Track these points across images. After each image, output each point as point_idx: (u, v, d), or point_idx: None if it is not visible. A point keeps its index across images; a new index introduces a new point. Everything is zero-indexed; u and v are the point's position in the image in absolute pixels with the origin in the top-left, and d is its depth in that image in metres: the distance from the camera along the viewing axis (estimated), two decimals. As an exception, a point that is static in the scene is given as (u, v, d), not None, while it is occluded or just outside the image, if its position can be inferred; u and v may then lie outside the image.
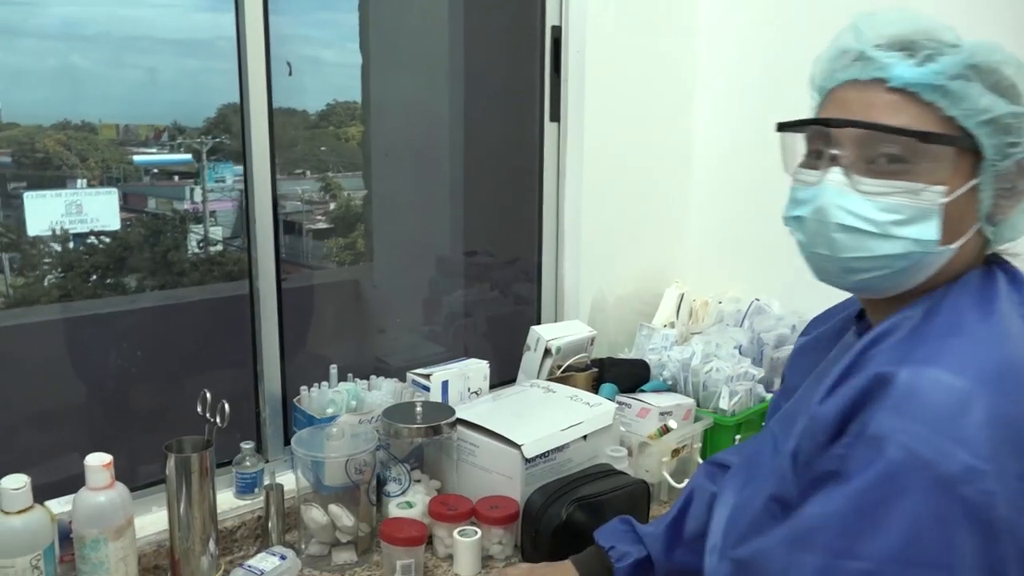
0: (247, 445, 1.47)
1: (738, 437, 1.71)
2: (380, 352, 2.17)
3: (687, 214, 2.19)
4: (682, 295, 2.03)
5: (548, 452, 1.44)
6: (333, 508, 1.39)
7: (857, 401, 0.75)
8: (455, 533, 1.36)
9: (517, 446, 1.40)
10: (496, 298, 2.34)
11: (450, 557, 1.40)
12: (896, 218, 0.77)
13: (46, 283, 2.05)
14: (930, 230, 0.77)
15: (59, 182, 2.01)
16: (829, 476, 0.75)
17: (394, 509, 1.42)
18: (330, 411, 1.50)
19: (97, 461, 1.18)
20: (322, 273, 3.16)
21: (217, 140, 2.49)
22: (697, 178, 2.18)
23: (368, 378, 1.61)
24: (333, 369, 1.57)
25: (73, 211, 1.79)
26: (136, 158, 2.39)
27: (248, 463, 1.47)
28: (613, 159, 1.99)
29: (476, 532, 1.36)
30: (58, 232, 1.83)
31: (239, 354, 1.58)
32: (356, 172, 2.89)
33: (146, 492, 1.41)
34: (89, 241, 2.02)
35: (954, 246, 0.79)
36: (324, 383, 1.54)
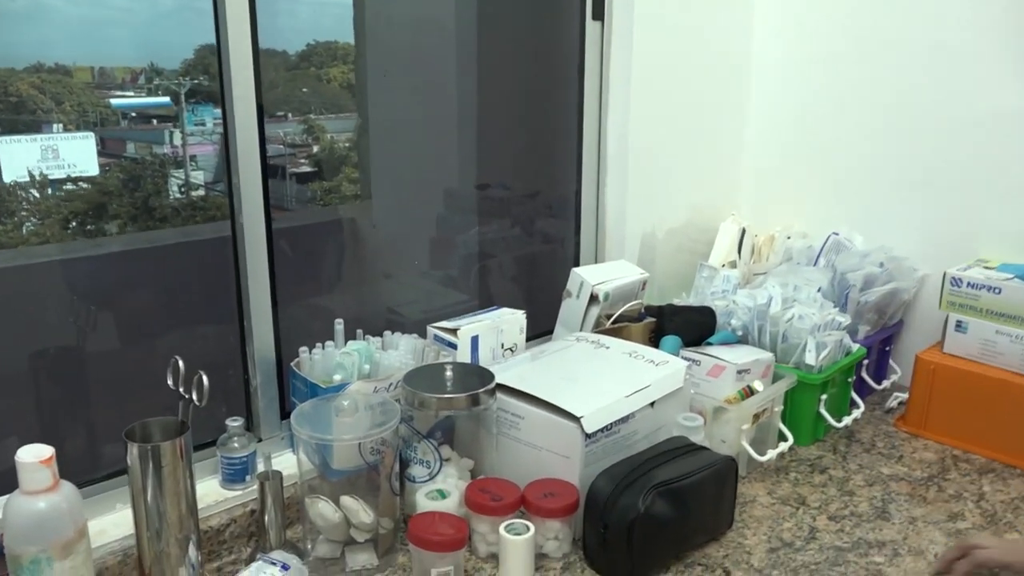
0: (235, 422, 1.17)
1: (823, 398, 1.43)
2: (389, 301, 1.87)
3: (745, 136, 1.88)
4: (743, 230, 1.73)
5: (611, 424, 1.16)
6: (347, 501, 1.10)
7: None
8: (501, 529, 1.08)
9: (575, 418, 1.11)
10: (518, 236, 2.04)
11: (494, 557, 1.12)
12: None
13: (24, 231, 1.97)
14: None
15: (34, 127, 1.98)
16: None
17: (423, 500, 1.14)
18: (338, 378, 1.19)
19: (33, 456, 0.88)
20: (313, 212, 2.86)
21: (196, 82, 2.45)
22: (756, 95, 1.86)
23: (381, 335, 1.31)
24: (339, 325, 1.26)
25: (49, 156, 1.75)
26: (113, 101, 2.35)
27: (236, 444, 1.17)
28: (664, 71, 1.66)
29: (528, 527, 1.08)
30: (37, 177, 1.77)
31: (223, 308, 1.28)
32: (339, 114, 2.80)
33: (109, 485, 1.12)
34: (68, 187, 1.96)
35: None
36: (329, 343, 1.24)
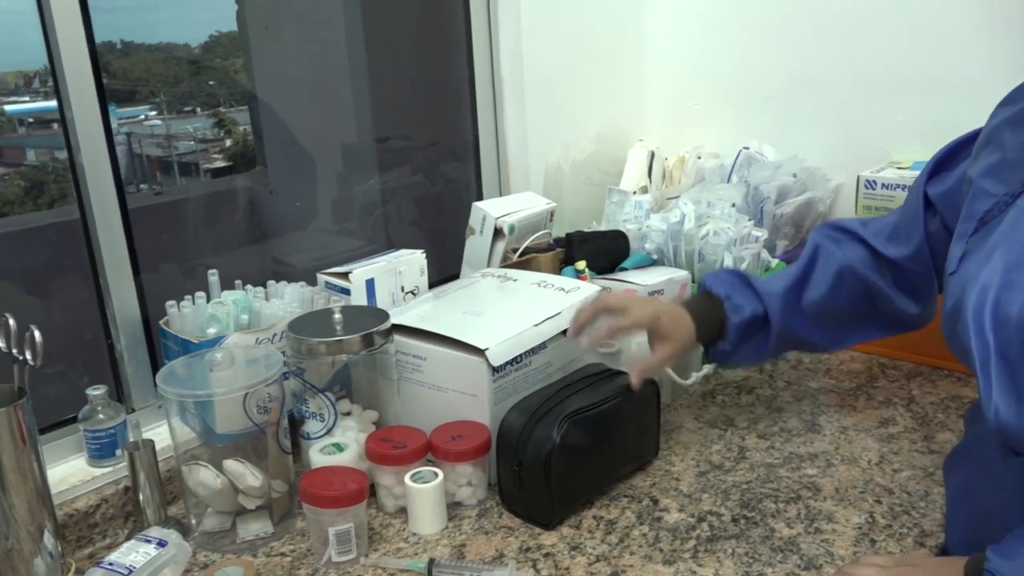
0: (96, 391, 1.03)
1: (745, 316, 1.37)
2: (277, 254, 1.74)
3: (644, 58, 1.79)
4: (651, 154, 1.65)
5: (521, 356, 1.06)
6: (230, 465, 0.98)
7: None
8: (407, 478, 0.98)
9: (480, 351, 1.02)
10: (420, 182, 1.92)
11: (403, 511, 1.02)
12: None
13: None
14: None
15: None
16: None
17: (317, 456, 1.03)
18: (212, 331, 1.07)
19: None
20: (204, 184, 2.70)
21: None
22: (654, 11, 1.77)
23: (265, 285, 1.18)
24: (213, 276, 1.13)
25: None
26: (7, 108, 2.21)
27: (102, 416, 1.04)
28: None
29: (436, 474, 0.98)
30: None
31: (79, 280, 1.14)
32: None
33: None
34: None
35: None
36: (200, 294, 1.10)
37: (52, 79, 1.07)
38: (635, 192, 1.59)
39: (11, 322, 0.85)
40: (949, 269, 0.84)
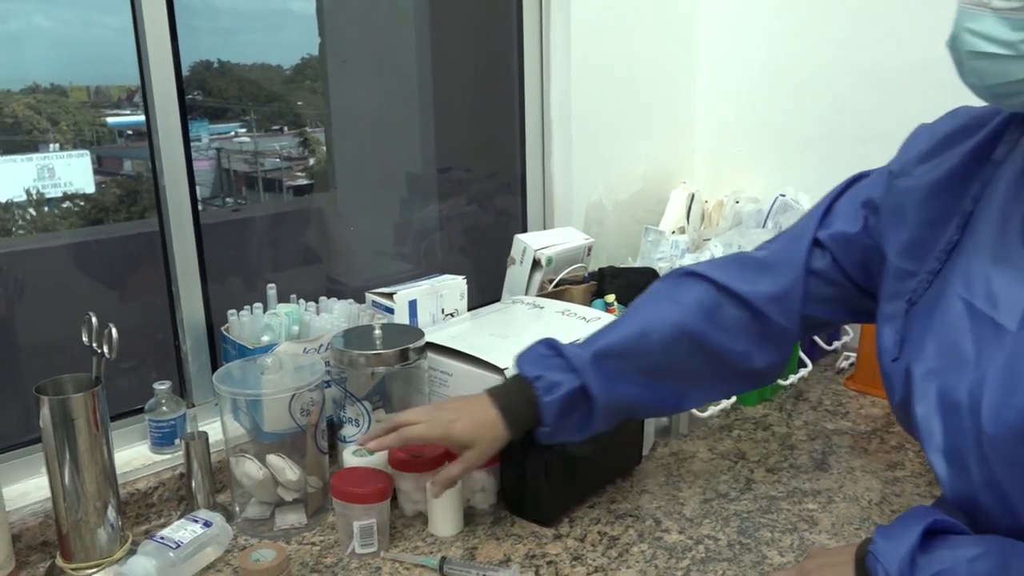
0: (162, 386, 1.16)
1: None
2: (335, 273, 1.87)
3: (693, 103, 1.87)
4: (692, 196, 1.73)
5: (540, 378, 1.15)
6: (272, 459, 1.10)
7: None
8: (428, 485, 1.07)
9: (499, 370, 1.11)
10: (474, 212, 2.03)
11: (421, 515, 1.11)
12: None
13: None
14: None
15: (31, 147, 1.99)
16: None
17: (349, 458, 1.13)
18: (266, 339, 1.19)
19: (-64, 409, 0.88)
20: (276, 203, 2.87)
21: (190, 97, 2.49)
22: (704, 60, 1.85)
23: (317, 300, 1.31)
24: (271, 290, 1.26)
25: (45, 175, 1.77)
26: (109, 120, 2.36)
27: (165, 408, 1.17)
28: (605, 38, 1.66)
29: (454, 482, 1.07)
30: (34, 195, 1.79)
31: (155, 286, 1.27)
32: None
33: (33, 449, 1.11)
34: (65, 205, 1.96)
35: None
36: (258, 305, 1.23)
37: (142, 97, 1.19)
38: (673, 232, 1.67)
39: (93, 320, 0.98)
40: (890, 356, 0.83)
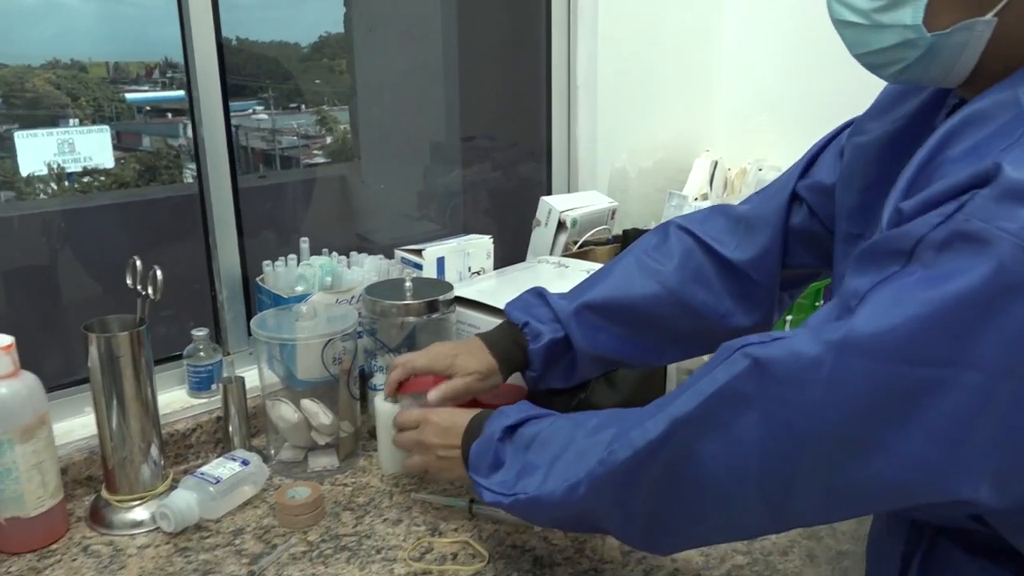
0: (200, 332, 1.20)
1: (789, 319, 1.45)
2: (363, 231, 1.90)
3: (717, 72, 1.89)
4: (715, 163, 1.74)
5: (565, 331, 1.18)
6: (307, 404, 1.14)
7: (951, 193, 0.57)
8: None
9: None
10: (497, 178, 2.06)
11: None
12: (878, 4, 0.65)
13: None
14: (916, 12, 0.63)
15: (51, 122, 2.02)
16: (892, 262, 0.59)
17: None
18: (300, 289, 1.23)
19: (-8, 343, 0.92)
20: (304, 171, 2.90)
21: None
22: (729, 28, 1.86)
23: (348, 255, 1.34)
24: (304, 243, 1.30)
25: (66, 150, 1.78)
26: (128, 96, 2.39)
27: (203, 354, 1.21)
28: (632, 5, 1.68)
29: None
30: (54, 169, 1.82)
31: (194, 241, 1.32)
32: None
33: (77, 390, 1.16)
34: (85, 180, 1.99)
35: (987, 17, 0.62)
36: (292, 256, 1.27)
37: (185, 69, 1.23)
38: (696, 199, 1.69)
39: (138, 263, 1.02)
40: None
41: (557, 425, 0.82)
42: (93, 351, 0.98)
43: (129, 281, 1.02)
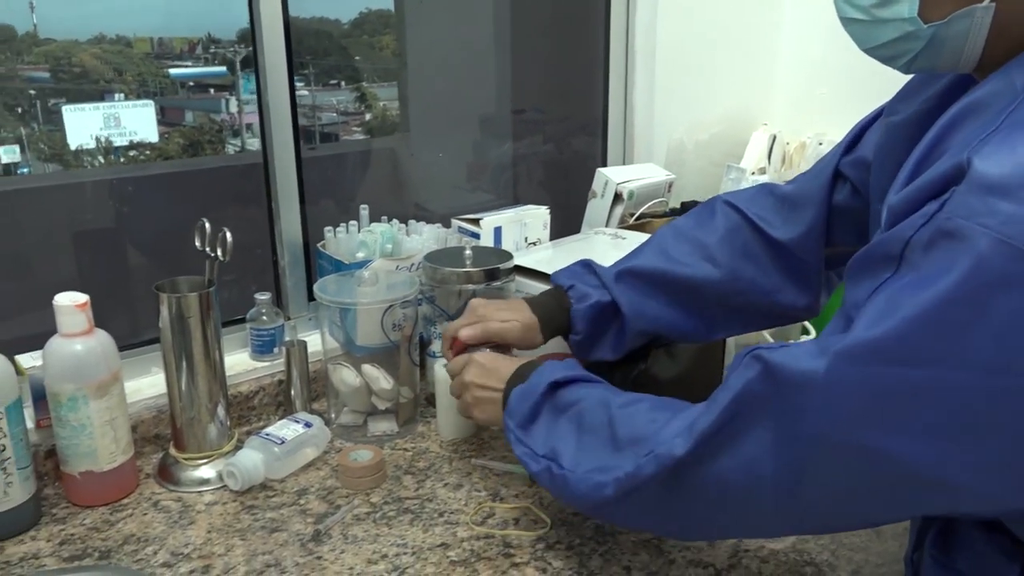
0: (263, 296, 1.22)
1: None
2: (421, 201, 1.91)
3: (777, 44, 1.85)
4: (773, 137, 1.72)
5: (623, 301, 1.17)
6: (368, 368, 1.15)
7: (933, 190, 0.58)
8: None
9: (588, 293, 1.13)
10: (549, 151, 2.05)
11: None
12: (876, 0, 0.66)
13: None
14: (912, 5, 0.64)
15: (97, 96, 2.04)
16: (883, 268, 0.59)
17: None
18: (361, 255, 1.24)
19: (69, 300, 0.94)
20: (353, 143, 2.91)
21: (250, 49, 2.47)
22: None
23: (406, 223, 1.35)
24: (364, 210, 1.30)
25: (112, 124, 1.83)
26: (171, 71, 2.45)
27: (265, 318, 1.22)
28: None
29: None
30: (102, 142, 1.87)
31: (253, 209, 1.33)
32: (391, 82, 2.79)
33: (146, 350, 1.18)
34: (131, 153, 2.04)
35: (984, 3, 0.61)
36: (353, 222, 1.28)
37: (251, 36, 1.24)
38: (753, 172, 1.66)
39: (207, 225, 1.03)
40: None
41: (600, 399, 0.82)
42: (164, 311, 1.00)
43: (198, 243, 1.04)
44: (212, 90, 2.80)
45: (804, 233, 0.95)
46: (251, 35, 1.24)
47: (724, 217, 1.01)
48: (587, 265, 1.06)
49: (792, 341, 1.36)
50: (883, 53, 0.70)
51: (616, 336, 1.04)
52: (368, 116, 2.87)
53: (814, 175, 0.97)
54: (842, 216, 0.94)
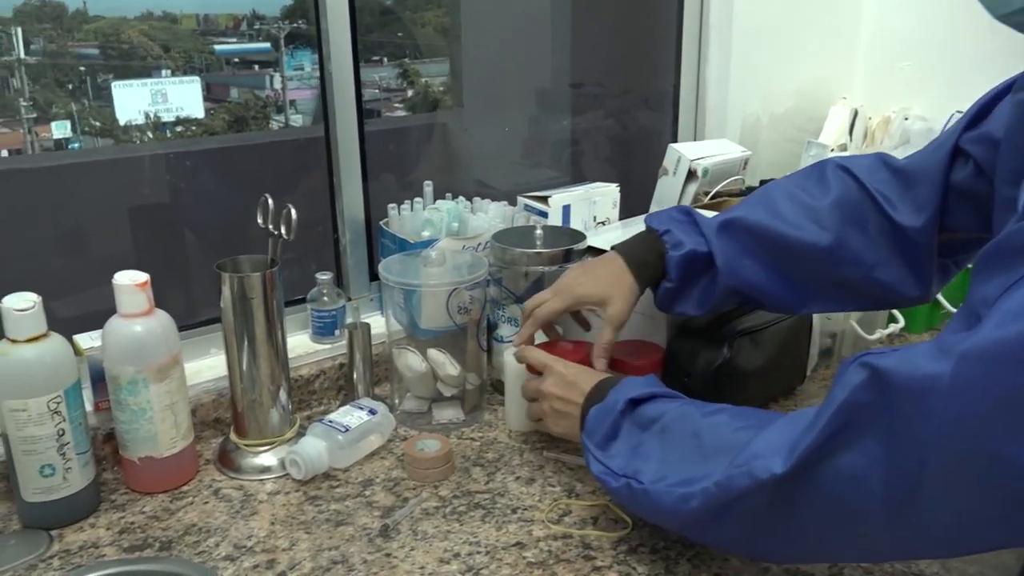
0: (324, 276, 1.17)
1: (939, 280, 1.34)
2: (482, 177, 1.85)
3: (859, 14, 1.74)
4: (855, 112, 1.62)
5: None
6: (433, 354, 1.09)
7: None
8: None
9: (665, 276, 1.06)
10: (611, 126, 1.97)
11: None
12: None
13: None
14: None
15: (144, 72, 2.06)
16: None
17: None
18: (426, 234, 1.18)
19: (129, 279, 0.90)
20: (402, 118, 2.87)
21: (295, 26, 2.56)
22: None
23: (471, 200, 1.28)
24: (428, 187, 1.24)
25: (159, 100, 1.84)
26: (216, 47, 2.45)
27: (326, 299, 1.17)
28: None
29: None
30: (151, 117, 1.88)
31: (317, 184, 1.28)
32: (433, 59, 2.84)
33: (206, 331, 1.14)
34: (178, 128, 2.05)
35: None
36: (418, 199, 1.22)
37: (315, 16, 1.19)
38: (833, 149, 1.57)
39: (270, 202, 0.98)
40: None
41: (681, 412, 0.78)
42: (225, 291, 0.95)
43: (260, 220, 0.99)
44: (256, 67, 2.79)
45: (916, 210, 0.87)
46: (314, 8, 1.19)
47: (838, 182, 0.92)
48: (687, 212, 0.98)
49: (879, 332, 1.28)
50: (1019, 19, 0.65)
51: (704, 290, 0.96)
52: (410, 93, 2.86)
53: (931, 151, 0.88)
54: (961, 198, 0.85)
